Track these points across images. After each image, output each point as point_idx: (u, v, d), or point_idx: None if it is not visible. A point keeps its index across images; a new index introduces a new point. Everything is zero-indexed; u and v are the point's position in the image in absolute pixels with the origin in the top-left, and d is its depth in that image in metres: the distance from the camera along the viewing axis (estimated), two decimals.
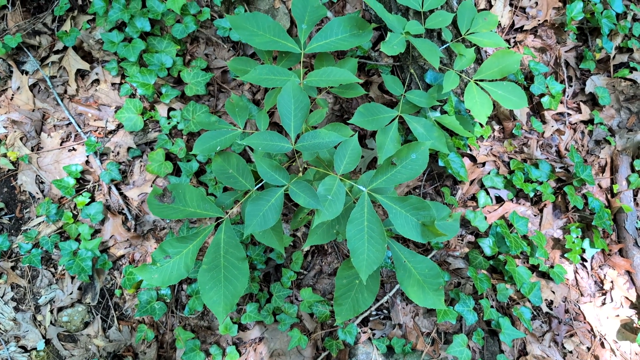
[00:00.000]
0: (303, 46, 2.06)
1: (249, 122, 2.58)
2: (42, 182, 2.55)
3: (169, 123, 2.52)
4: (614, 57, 2.77)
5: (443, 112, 2.46)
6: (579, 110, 2.71)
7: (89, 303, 2.43)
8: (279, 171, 1.70)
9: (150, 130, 2.60)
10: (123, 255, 2.48)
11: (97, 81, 2.65)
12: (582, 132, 2.69)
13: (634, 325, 2.44)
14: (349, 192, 1.82)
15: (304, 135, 1.70)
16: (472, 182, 2.54)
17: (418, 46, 1.96)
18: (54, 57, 2.64)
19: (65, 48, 2.64)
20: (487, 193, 2.52)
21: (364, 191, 1.65)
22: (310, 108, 1.75)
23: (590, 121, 2.71)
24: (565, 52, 2.73)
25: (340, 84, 2.10)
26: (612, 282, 2.52)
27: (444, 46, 2.29)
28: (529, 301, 2.39)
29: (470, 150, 2.57)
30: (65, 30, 2.59)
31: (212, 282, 1.72)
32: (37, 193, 2.53)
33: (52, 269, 2.48)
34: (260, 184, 1.93)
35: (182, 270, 1.73)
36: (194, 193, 1.79)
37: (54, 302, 2.44)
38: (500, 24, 2.71)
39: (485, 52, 2.61)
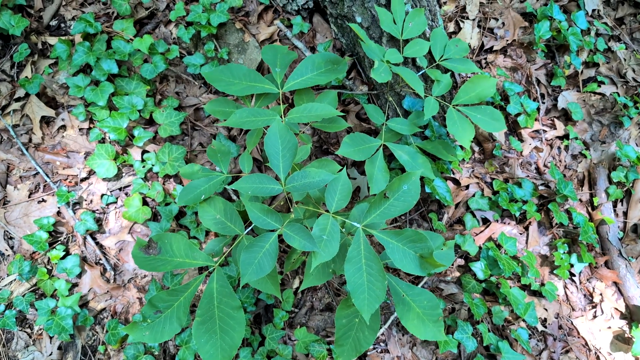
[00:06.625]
0: (280, 85, 2.05)
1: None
2: (11, 238, 2.41)
3: (143, 166, 2.43)
4: (582, 72, 2.84)
5: (423, 137, 2.45)
6: (553, 127, 2.75)
7: None
8: (271, 215, 1.63)
9: (123, 174, 2.50)
10: (104, 309, 2.35)
11: (63, 127, 2.53)
12: (559, 148, 2.73)
13: (626, 335, 2.46)
14: (342, 227, 1.77)
15: (293, 175, 1.64)
16: (457, 205, 2.53)
17: (402, 74, 1.96)
18: (16, 105, 2.52)
19: (27, 95, 2.52)
20: (474, 215, 2.51)
21: (359, 227, 1.60)
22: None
23: (565, 136, 2.75)
24: (536, 70, 2.77)
25: (323, 119, 2.08)
26: (601, 294, 2.54)
27: (420, 72, 2.29)
28: (524, 321, 2.38)
29: (454, 173, 2.56)
30: (27, 77, 2.48)
31: (208, 335, 1.64)
32: (6, 250, 2.39)
33: (28, 330, 2.33)
34: (250, 228, 1.86)
35: (174, 324, 1.65)
36: (180, 242, 1.70)
37: None
38: (470, 46, 2.74)
39: (459, 75, 2.63)
